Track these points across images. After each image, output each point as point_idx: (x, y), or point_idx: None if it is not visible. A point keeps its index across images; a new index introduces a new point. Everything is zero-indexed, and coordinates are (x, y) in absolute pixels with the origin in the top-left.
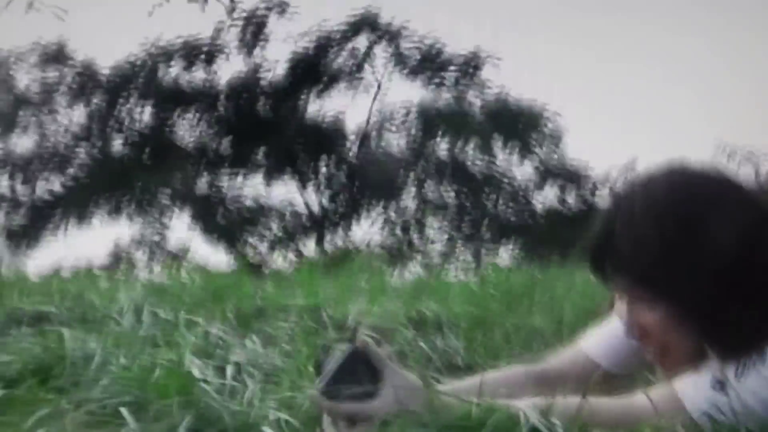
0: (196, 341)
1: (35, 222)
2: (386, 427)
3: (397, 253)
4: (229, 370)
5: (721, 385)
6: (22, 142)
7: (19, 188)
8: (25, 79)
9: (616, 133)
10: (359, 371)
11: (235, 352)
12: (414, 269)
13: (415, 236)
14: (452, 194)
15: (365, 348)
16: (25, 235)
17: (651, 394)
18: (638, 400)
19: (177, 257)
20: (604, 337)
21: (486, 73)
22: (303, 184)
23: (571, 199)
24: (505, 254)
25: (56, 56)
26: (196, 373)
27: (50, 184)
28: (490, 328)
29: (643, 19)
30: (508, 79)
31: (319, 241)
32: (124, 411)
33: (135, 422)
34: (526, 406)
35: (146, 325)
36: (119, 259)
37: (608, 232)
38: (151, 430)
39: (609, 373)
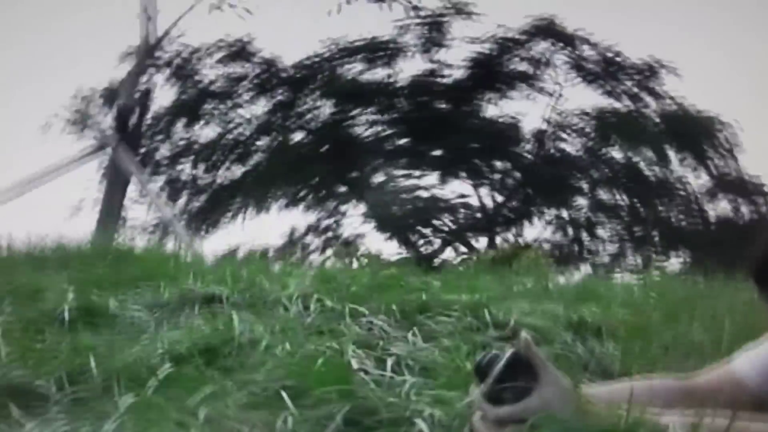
0: (359, 332)
1: (215, 206)
2: (534, 430)
3: (566, 254)
4: (389, 362)
5: None
6: (206, 133)
7: (201, 175)
8: (211, 74)
9: None
10: (519, 372)
11: (395, 345)
12: (582, 271)
13: (585, 238)
14: (624, 198)
15: (527, 349)
16: (205, 219)
17: None
18: None
19: (350, 246)
20: (758, 358)
21: (662, 80)
22: (477, 183)
23: (744, 210)
24: (675, 262)
25: (240, 52)
26: (355, 363)
27: (231, 173)
28: (649, 338)
29: None
30: (685, 87)
31: (491, 239)
32: (284, 395)
33: (294, 407)
34: (676, 422)
35: (313, 313)
36: (294, 245)
37: None
38: (310, 416)
39: (760, 396)
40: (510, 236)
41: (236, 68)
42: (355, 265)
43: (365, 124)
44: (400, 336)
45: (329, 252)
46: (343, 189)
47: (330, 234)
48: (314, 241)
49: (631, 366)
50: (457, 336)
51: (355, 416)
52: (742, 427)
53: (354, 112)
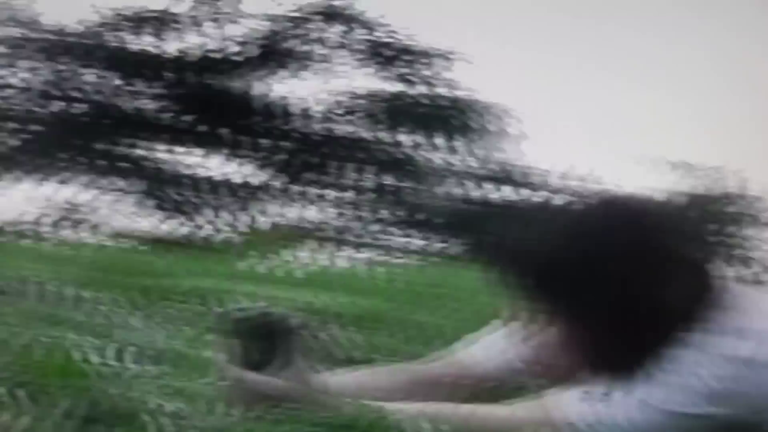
0: (92, 319)
1: None
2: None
3: (330, 235)
4: (124, 351)
5: (603, 398)
6: None
7: None
8: None
9: (579, 143)
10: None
11: (130, 333)
12: (345, 252)
13: (349, 220)
14: (390, 181)
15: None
16: None
17: (531, 403)
18: (518, 408)
19: (96, 225)
20: (487, 343)
21: (453, 72)
22: (242, 160)
23: (507, 197)
24: (438, 246)
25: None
26: (83, 353)
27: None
28: (392, 324)
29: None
30: (479, 80)
31: (253, 218)
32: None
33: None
34: (414, 411)
35: (49, 299)
36: (46, 221)
37: (525, 245)
38: (31, 411)
39: (486, 380)
40: (273, 216)
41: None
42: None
43: (132, 97)
44: (141, 323)
45: (74, 230)
46: (105, 161)
47: (86, 210)
48: (71, 216)
49: (374, 354)
50: (199, 323)
51: (92, 411)
52: (481, 412)
53: (121, 84)
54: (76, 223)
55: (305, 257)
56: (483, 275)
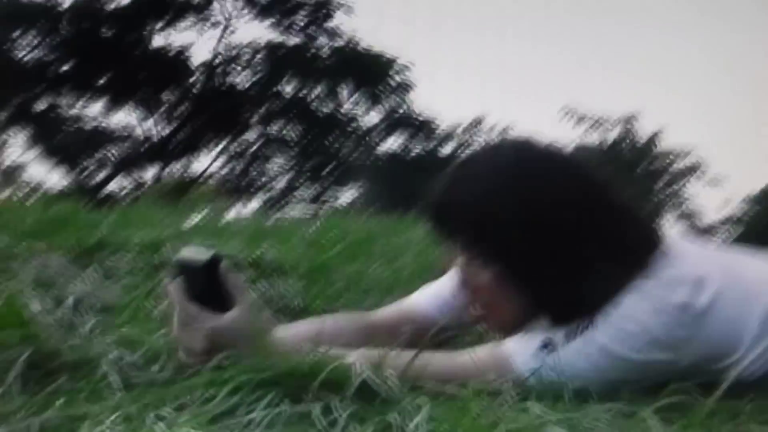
0: (33, 272)
1: None
2: (219, 371)
3: (236, 188)
4: (68, 303)
5: (549, 346)
6: None
7: None
8: None
9: (470, 90)
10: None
11: (74, 285)
12: (253, 205)
13: (255, 172)
14: (295, 132)
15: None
16: None
17: (481, 351)
18: (468, 356)
19: (12, 175)
20: (435, 292)
21: (338, 20)
22: (145, 113)
23: (415, 148)
24: (347, 197)
25: None
26: (34, 306)
27: None
28: (329, 275)
29: None
30: (363, 28)
31: (159, 172)
32: None
33: None
34: (359, 358)
35: None
36: None
37: (449, 193)
38: None
39: (433, 326)
40: (178, 169)
41: None
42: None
43: (27, 48)
44: (78, 275)
45: None
46: (4, 115)
47: None
48: None
49: (313, 304)
50: (136, 274)
51: (36, 360)
52: (426, 358)
53: (13, 34)
54: None
55: (228, 210)
56: (413, 226)
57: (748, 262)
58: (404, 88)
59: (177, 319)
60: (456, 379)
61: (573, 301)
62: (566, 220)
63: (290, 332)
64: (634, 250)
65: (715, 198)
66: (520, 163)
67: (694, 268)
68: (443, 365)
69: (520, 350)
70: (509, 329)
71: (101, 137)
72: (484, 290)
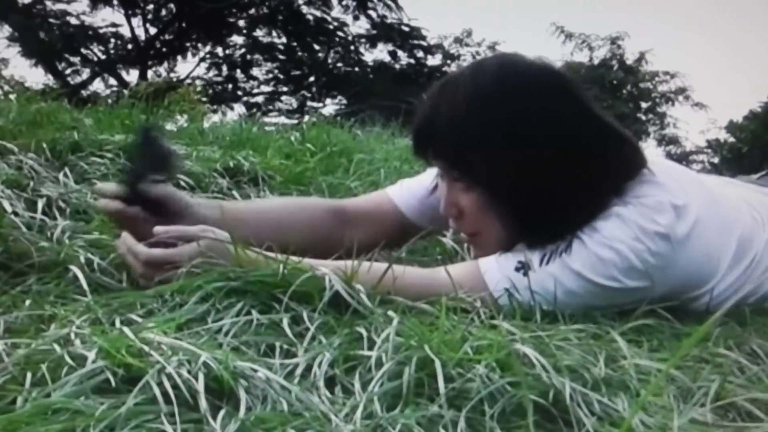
0: (7, 171)
1: None
2: (191, 278)
3: (220, 93)
4: (40, 204)
5: (524, 268)
6: None
7: None
8: None
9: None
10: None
11: (46, 187)
12: (236, 110)
13: (240, 77)
14: (282, 38)
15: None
16: None
17: (455, 268)
18: (442, 272)
19: None
20: (412, 188)
21: None
22: (130, 13)
23: (402, 59)
24: (332, 107)
25: None
26: (6, 205)
27: None
28: (306, 185)
29: None
30: None
31: (143, 73)
32: None
33: None
34: (332, 269)
35: None
36: None
37: (432, 114)
38: None
39: (411, 223)
40: (162, 71)
41: None
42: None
43: None
44: (51, 176)
45: None
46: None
47: None
48: None
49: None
50: (110, 178)
51: (6, 260)
52: (399, 272)
53: None
54: None
55: (209, 116)
56: (395, 139)
57: (726, 190)
58: None
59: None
60: (429, 294)
61: (555, 222)
62: (549, 141)
63: (265, 212)
64: (617, 172)
65: (698, 123)
66: (502, 82)
67: (675, 195)
68: (417, 280)
69: (495, 270)
70: (493, 251)
71: (85, 35)
72: (468, 212)
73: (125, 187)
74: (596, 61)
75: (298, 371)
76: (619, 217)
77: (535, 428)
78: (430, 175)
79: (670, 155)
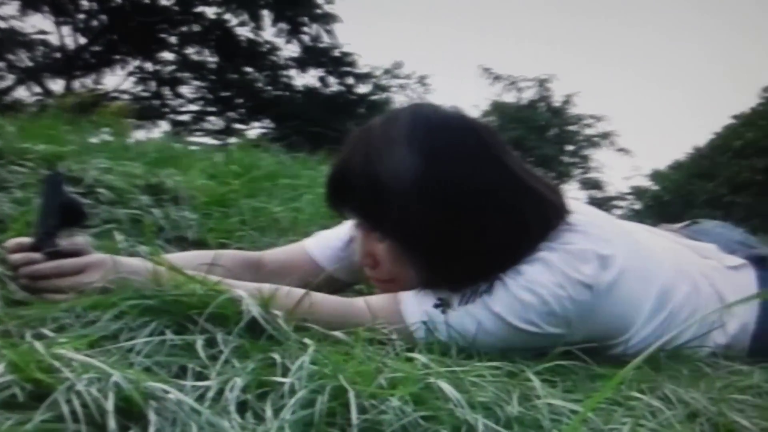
0: None
1: None
2: (105, 294)
3: (146, 109)
4: None
5: (443, 305)
6: None
7: None
8: None
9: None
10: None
11: None
12: (162, 128)
13: (167, 94)
14: (212, 58)
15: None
16: None
17: (374, 299)
18: (360, 302)
19: None
20: (329, 239)
21: None
22: (60, 21)
23: (333, 84)
24: (258, 130)
25: None
26: None
27: None
28: (229, 207)
29: None
30: None
31: (69, 83)
32: None
33: None
34: (250, 291)
35: None
36: None
37: (344, 167)
38: None
39: (331, 276)
40: (89, 82)
41: None
42: None
43: None
44: None
45: None
46: None
47: None
48: None
49: (207, 235)
50: (30, 188)
51: None
52: (317, 299)
53: None
54: None
55: (134, 131)
56: (319, 166)
57: (650, 239)
58: (328, 18)
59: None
60: (345, 324)
61: (470, 275)
62: (461, 197)
63: (179, 262)
64: (537, 222)
65: (622, 169)
66: (415, 137)
67: (600, 246)
68: (334, 308)
69: (414, 304)
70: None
71: (12, 40)
72: (383, 261)
73: (36, 242)
74: (524, 102)
75: (210, 394)
76: (544, 263)
77: None
78: (347, 226)
79: (592, 199)
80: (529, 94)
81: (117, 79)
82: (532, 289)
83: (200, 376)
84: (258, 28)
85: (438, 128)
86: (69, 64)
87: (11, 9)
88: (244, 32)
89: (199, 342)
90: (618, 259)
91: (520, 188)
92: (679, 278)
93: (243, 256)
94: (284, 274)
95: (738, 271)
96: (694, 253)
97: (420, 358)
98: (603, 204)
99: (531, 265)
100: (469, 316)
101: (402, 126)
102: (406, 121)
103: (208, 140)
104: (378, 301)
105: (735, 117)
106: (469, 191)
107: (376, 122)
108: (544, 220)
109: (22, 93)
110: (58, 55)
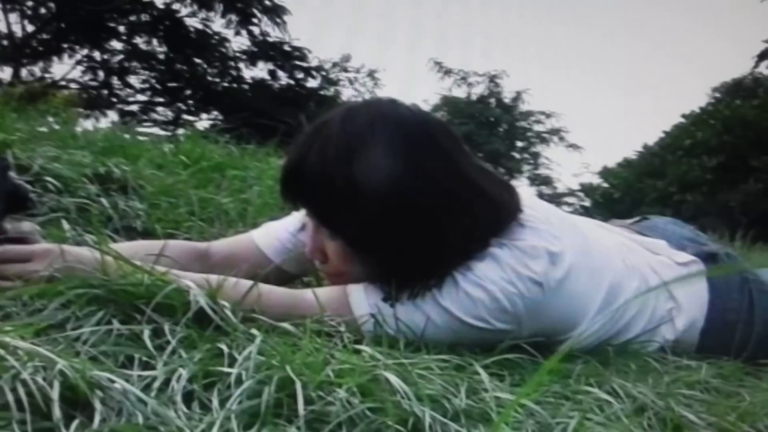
0: None
1: None
2: (52, 283)
3: (94, 98)
4: None
5: (392, 298)
6: None
7: None
8: None
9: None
10: None
11: None
12: (109, 117)
13: (116, 84)
14: (161, 48)
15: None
16: None
17: (321, 291)
18: (308, 294)
19: None
20: (277, 230)
21: None
22: (7, 8)
23: (282, 78)
24: (207, 121)
25: None
26: None
27: None
28: (177, 197)
29: None
30: None
31: (16, 72)
32: None
33: None
34: (197, 282)
35: None
36: None
37: (300, 161)
38: None
39: (279, 268)
40: (37, 71)
41: None
42: None
43: None
44: None
45: None
46: None
47: None
48: None
49: (155, 225)
50: None
51: None
52: (265, 290)
53: None
54: None
55: (82, 120)
56: (268, 158)
57: (600, 235)
58: (278, 10)
59: None
60: (293, 316)
61: (419, 273)
62: (414, 197)
63: (127, 252)
64: (488, 221)
65: (571, 166)
66: (371, 135)
67: (550, 242)
68: (281, 300)
69: (363, 296)
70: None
71: None
72: (332, 257)
73: None
74: (474, 98)
75: (156, 384)
76: (494, 259)
77: None
78: (295, 218)
79: (542, 195)
80: (479, 90)
81: (65, 68)
82: (482, 285)
83: (147, 366)
84: (208, 18)
85: (395, 128)
86: (16, 51)
87: None
88: (194, 23)
89: (146, 332)
90: (567, 256)
91: (474, 188)
92: (629, 274)
93: (191, 247)
94: (232, 266)
95: (688, 267)
96: (644, 248)
97: (367, 350)
98: (552, 200)
99: (481, 261)
100: (419, 311)
101: (359, 125)
102: (363, 120)
103: (156, 131)
104: (326, 293)
105: (685, 116)
106: (424, 194)
107: (335, 118)
108: (495, 219)
109: None
110: (5, 42)
